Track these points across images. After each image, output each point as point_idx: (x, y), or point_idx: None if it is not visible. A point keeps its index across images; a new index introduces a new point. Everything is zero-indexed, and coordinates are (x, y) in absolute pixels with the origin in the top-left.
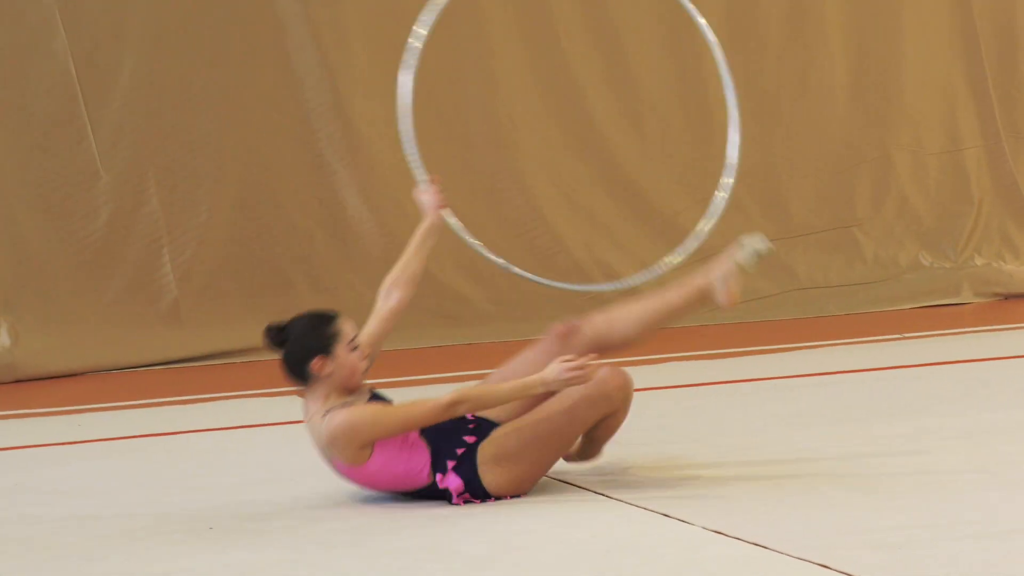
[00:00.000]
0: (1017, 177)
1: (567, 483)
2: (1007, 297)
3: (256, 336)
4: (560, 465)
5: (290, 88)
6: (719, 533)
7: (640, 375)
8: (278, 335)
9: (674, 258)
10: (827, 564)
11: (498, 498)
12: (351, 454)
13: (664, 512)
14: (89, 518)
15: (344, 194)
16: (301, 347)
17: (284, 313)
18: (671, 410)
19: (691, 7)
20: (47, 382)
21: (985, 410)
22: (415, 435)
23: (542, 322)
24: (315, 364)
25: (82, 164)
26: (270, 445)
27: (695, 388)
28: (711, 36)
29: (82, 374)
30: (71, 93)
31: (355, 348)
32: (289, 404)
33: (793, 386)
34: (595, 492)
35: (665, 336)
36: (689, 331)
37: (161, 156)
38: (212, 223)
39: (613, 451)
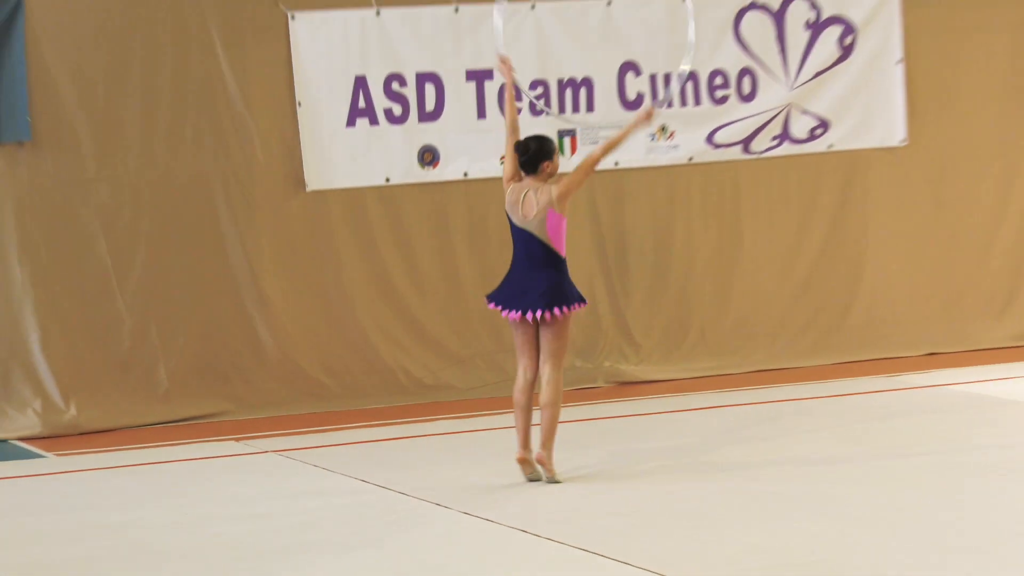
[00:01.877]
0: None
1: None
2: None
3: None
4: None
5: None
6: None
7: None
8: (524, 146)
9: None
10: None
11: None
12: (565, 206)
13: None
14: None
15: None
16: (540, 154)
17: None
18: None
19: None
20: (98, 434)
21: None
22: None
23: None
24: (544, 164)
25: (109, 306)
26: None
27: None
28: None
29: (114, 429)
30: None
31: (559, 162)
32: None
33: None
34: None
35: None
36: None
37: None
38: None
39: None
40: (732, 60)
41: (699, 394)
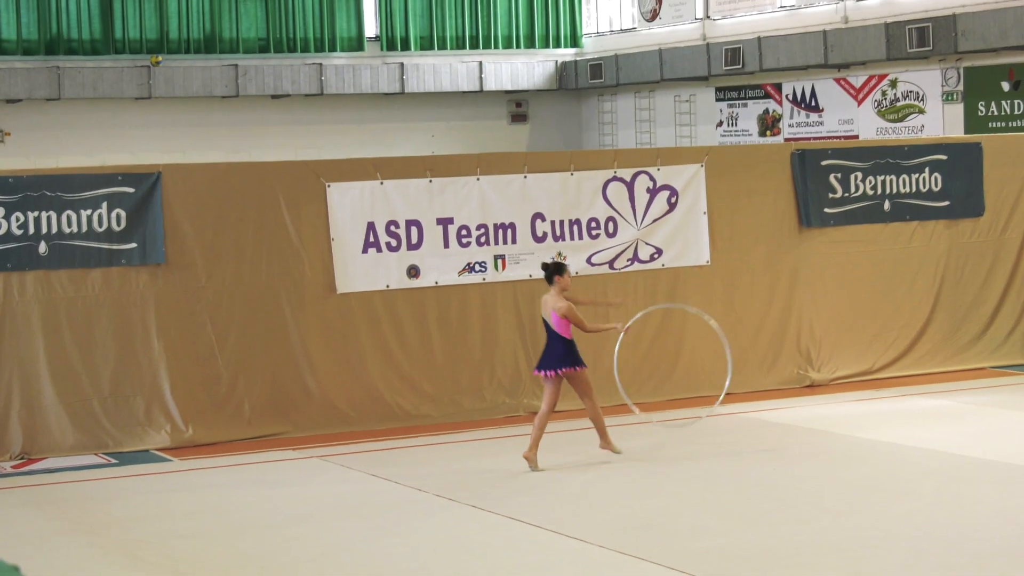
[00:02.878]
0: None
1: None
2: None
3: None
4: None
5: None
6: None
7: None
8: (546, 266)
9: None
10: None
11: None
12: (563, 317)
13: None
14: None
15: None
16: (554, 271)
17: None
18: None
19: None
20: (206, 446)
21: None
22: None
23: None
24: (558, 279)
25: (213, 365)
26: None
27: None
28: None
29: (216, 443)
30: None
31: (569, 278)
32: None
33: None
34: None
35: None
36: None
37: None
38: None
39: None
40: (602, 212)
41: (585, 419)
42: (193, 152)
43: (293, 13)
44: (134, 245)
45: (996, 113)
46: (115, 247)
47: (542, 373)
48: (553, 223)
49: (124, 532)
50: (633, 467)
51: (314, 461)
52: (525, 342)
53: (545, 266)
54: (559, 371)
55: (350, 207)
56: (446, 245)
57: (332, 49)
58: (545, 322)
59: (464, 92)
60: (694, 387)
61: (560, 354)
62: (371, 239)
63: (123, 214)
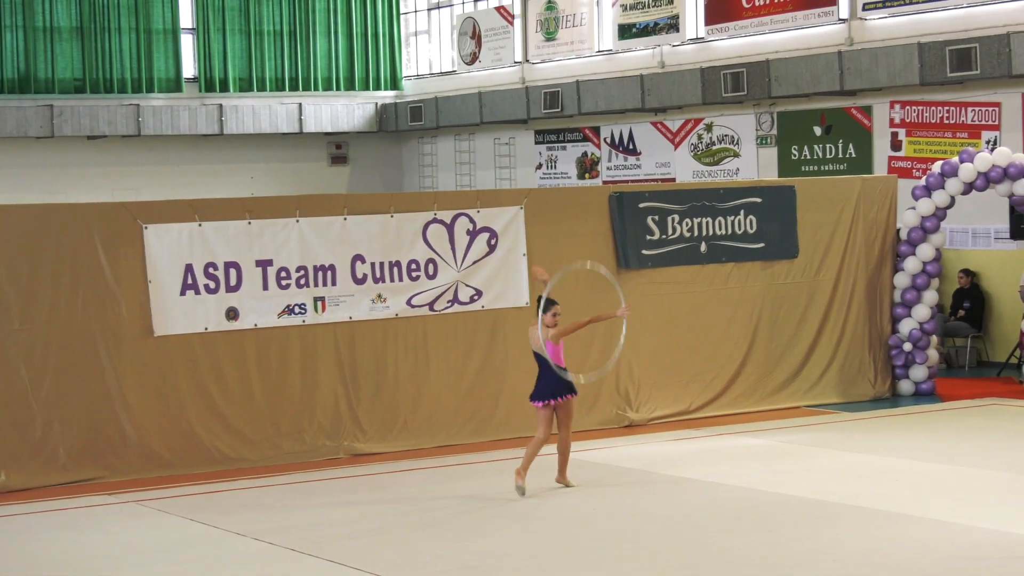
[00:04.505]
0: None
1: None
2: None
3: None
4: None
5: None
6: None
7: None
8: (540, 301)
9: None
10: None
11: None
12: (559, 341)
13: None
14: None
15: None
16: (544, 308)
17: None
18: None
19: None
20: (20, 491)
21: None
22: (563, 352)
23: None
24: (546, 315)
25: (27, 409)
26: None
27: None
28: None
29: (30, 488)
30: None
31: (556, 315)
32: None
33: None
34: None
35: None
36: None
37: None
38: None
39: None
40: (422, 254)
41: (410, 460)
42: (7, 193)
43: (110, 53)
44: None
45: (809, 157)
46: None
47: (539, 404)
48: (373, 265)
49: None
50: (460, 505)
51: (130, 506)
52: (346, 384)
53: (539, 303)
54: (553, 401)
55: (168, 249)
56: (265, 287)
57: (150, 90)
58: (536, 355)
59: (284, 134)
60: (515, 428)
61: (554, 384)
62: (189, 281)
63: None
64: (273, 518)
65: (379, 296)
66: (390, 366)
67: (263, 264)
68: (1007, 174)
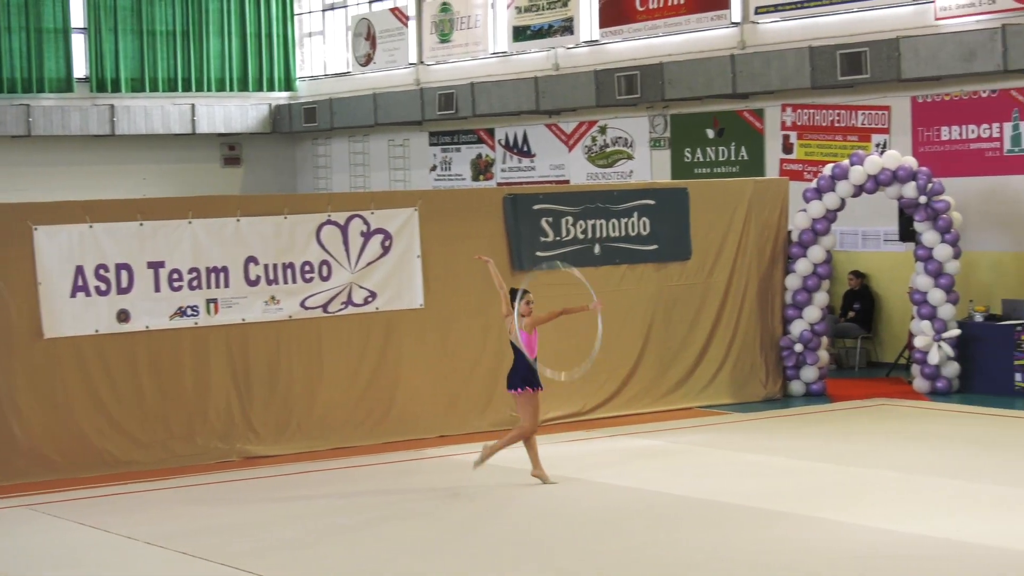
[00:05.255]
0: None
1: None
2: None
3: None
4: None
5: None
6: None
7: None
8: (512, 294)
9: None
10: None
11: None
12: (533, 330)
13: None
14: None
15: None
16: (517, 298)
17: None
18: None
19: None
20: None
21: None
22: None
23: None
24: (521, 304)
25: None
26: None
27: None
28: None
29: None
30: None
31: (530, 303)
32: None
33: None
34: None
35: None
36: None
37: None
38: None
39: None
40: (316, 255)
41: (303, 463)
42: None
43: None
44: None
45: (702, 159)
46: None
47: (515, 392)
48: (267, 266)
49: None
50: (354, 507)
51: (21, 511)
52: (238, 386)
53: (512, 294)
54: (522, 390)
55: (58, 250)
56: (157, 289)
57: (40, 90)
58: (512, 344)
59: (176, 135)
60: (410, 430)
61: (524, 373)
62: (80, 283)
63: None
64: (165, 522)
65: (272, 298)
66: (283, 368)
67: (155, 266)
68: (896, 177)
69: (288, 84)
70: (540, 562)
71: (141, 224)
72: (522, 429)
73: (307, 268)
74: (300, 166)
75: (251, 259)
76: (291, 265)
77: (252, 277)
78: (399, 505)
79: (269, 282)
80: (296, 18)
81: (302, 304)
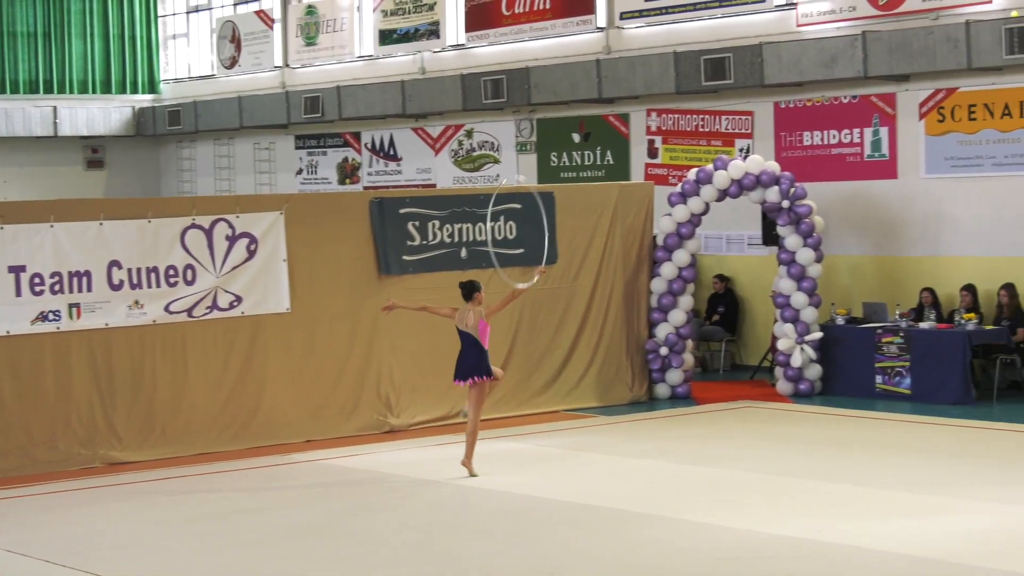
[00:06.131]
0: None
1: None
2: None
3: None
4: None
5: None
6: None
7: None
8: (463, 286)
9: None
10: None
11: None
12: (488, 320)
13: None
14: None
15: None
16: (472, 290)
17: None
18: None
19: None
20: None
21: None
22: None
23: None
24: (476, 295)
25: None
26: None
27: None
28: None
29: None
30: None
31: (481, 291)
32: None
33: None
34: None
35: None
36: None
37: None
38: None
39: None
40: (180, 259)
41: (167, 468)
42: None
43: None
44: None
45: (568, 163)
46: None
47: (462, 382)
48: (130, 271)
49: None
50: (217, 513)
51: None
52: (101, 392)
53: (464, 284)
54: (473, 379)
55: None
56: (18, 294)
57: None
58: (463, 334)
59: (38, 137)
60: (276, 435)
61: (474, 363)
62: None
63: None
64: (26, 529)
65: (136, 302)
66: (147, 373)
67: (16, 270)
68: (759, 181)
69: (152, 86)
70: (404, 567)
71: (2, 228)
72: (476, 419)
73: (171, 272)
74: (164, 169)
75: (114, 263)
76: (155, 269)
77: (115, 281)
78: (263, 514)
79: (133, 286)
80: (160, 20)
81: (166, 308)
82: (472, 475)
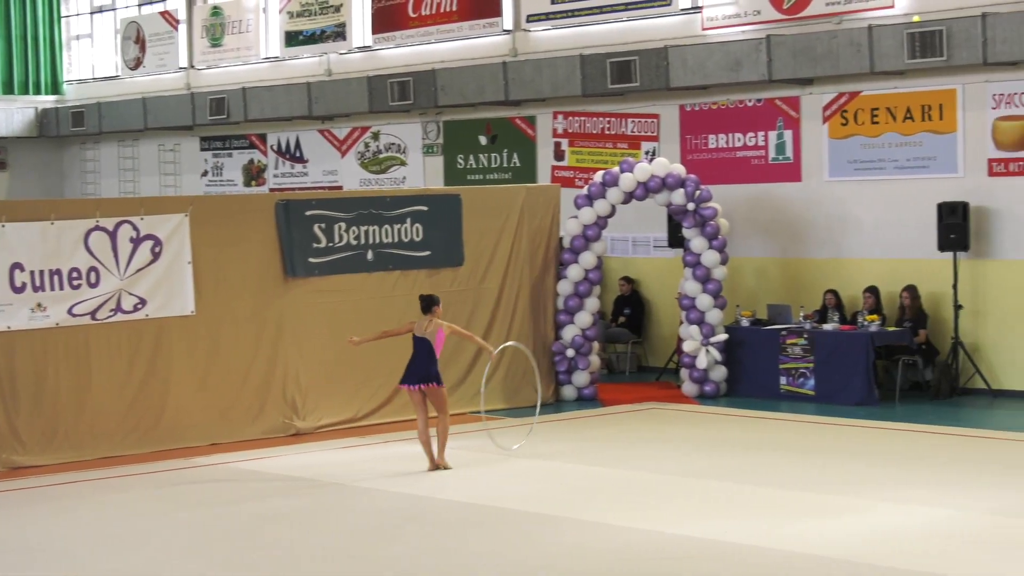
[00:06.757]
0: None
1: None
2: None
3: None
4: None
5: None
6: None
7: None
8: (423, 300)
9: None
10: None
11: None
12: (445, 335)
13: None
14: None
15: None
16: (431, 303)
17: None
18: None
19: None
20: None
21: None
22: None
23: None
24: (435, 308)
25: None
26: None
27: None
28: None
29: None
30: None
31: (439, 305)
32: None
33: None
34: None
35: None
36: None
37: None
38: None
39: None
40: (84, 262)
41: (70, 472)
42: None
43: None
44: None
45: (475, 166)
46: None
47: (408, 388)
48: (33, 273)
49: None
50: (120, 517)
51: None
52: (3, 395)
53: (424, 297)
54: (422, 387)
55: None
56: None
57: None
58: (420, 340)
59: None
60: (181, 438)
61: (424, 371)
62: None
63: None
64: None
65: (39, 305)
66: (50, 376)
67: None
68: (665, 184)
69: (55, 87)
70: (310, 572)
71: None
72: (446, 419)
73: (75, 275)
74: (68, 171)
75: (16, 265)
76: (58, 272)
77: (18, 284)
78: (168, 516)
79: (35, 289)
80: (64, 20)
81: (69, 311)
82: (446, 468)
